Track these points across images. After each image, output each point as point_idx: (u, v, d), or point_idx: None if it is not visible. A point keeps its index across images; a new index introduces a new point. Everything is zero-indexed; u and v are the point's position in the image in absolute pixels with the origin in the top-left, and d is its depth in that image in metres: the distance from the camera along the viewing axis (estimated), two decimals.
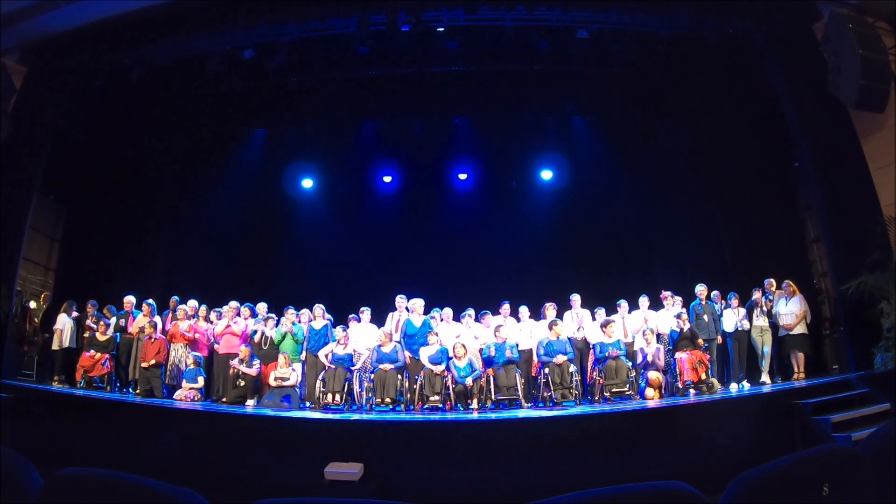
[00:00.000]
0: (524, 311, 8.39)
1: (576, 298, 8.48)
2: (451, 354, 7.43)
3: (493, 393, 7.23)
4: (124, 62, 8.62)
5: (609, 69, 9.65)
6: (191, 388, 7.64)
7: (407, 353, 7.71)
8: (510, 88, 10.44)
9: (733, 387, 7.57)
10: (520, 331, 8.14)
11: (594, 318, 8.29)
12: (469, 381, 7.20)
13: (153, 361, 7.72)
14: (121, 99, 9.70)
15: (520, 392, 7.21)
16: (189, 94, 10.08)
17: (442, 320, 8.23)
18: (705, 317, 7.99)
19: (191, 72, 9.27)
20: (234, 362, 7.63)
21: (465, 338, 7.79)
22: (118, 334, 8.27)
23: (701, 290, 8.19)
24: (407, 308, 8.12)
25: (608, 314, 8.27)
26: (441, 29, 8.81)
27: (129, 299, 8.59)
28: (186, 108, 10.56)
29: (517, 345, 7.76)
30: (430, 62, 9.71)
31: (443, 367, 7.26)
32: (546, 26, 8.64)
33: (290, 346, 7.90)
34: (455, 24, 8.67)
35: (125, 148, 10.44)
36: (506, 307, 8.39)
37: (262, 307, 8.53)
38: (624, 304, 8.36)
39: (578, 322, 8.30)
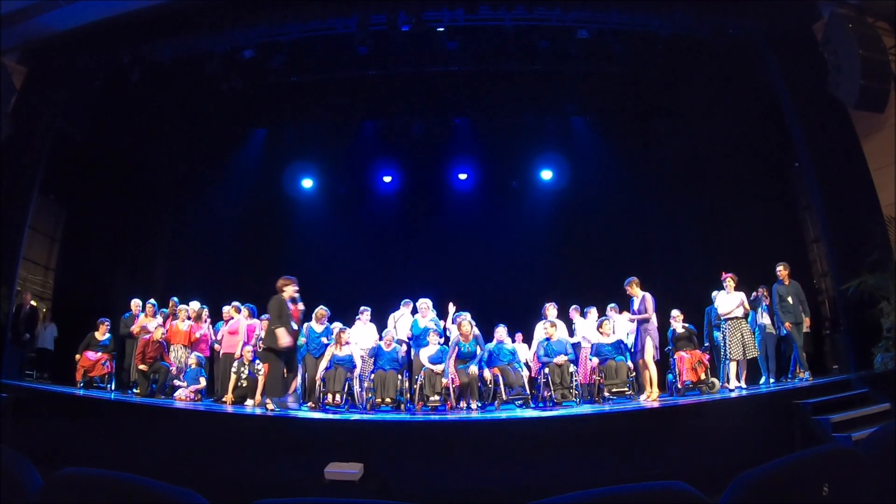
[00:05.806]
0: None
1: (573, 308, 8.52)
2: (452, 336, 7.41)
3: (503, 392, 7.17)
4: (124, 62, 8.61)
5: (609, 69, 9.65)
6: (192, 389, 7.63)
7: (412, 353, 7.71)
8: (510, 88, 10.44)
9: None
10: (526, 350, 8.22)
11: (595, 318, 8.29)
12: (473, 369, 7.11)
13: (150, 363, 7.71)
14: (121, 99, 9.68)
15: (527, 391, 7.22)
16: (189, 94, 10.08)
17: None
18: (789, 298, 7.33)
19: (191, 72, 9.26)
20: (258, 366, 7.60)
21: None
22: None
23: (781, 270, 7.50)
24: (415, 308, 8.12)
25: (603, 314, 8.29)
26: (441, 29, 8.80)
27: (136, 302, 8.67)
28: (186, 108, 10.55)
29: (521, 362, 7.78)
30: (430, 62, 9.70)
31: (443, 366, 7.25)
32: (546, 26, 8.63)
33: None
34: (455, 24, 8.66)
35: (125, 148, 10.43)
36: (519, 337, 8.54)
37: None
38: (615, 305, 8.36)
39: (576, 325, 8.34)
